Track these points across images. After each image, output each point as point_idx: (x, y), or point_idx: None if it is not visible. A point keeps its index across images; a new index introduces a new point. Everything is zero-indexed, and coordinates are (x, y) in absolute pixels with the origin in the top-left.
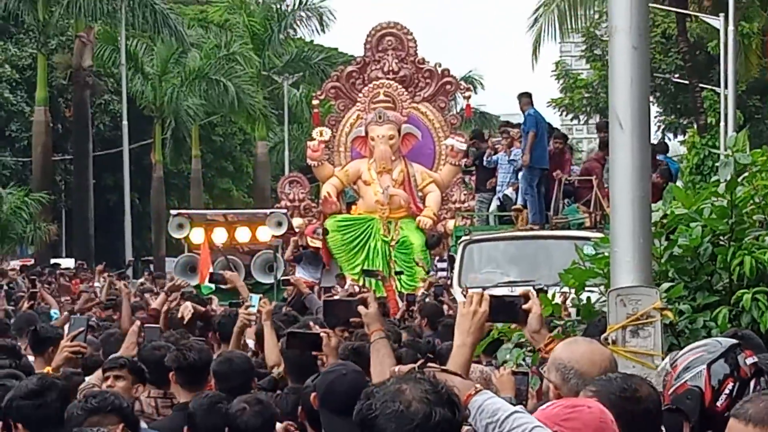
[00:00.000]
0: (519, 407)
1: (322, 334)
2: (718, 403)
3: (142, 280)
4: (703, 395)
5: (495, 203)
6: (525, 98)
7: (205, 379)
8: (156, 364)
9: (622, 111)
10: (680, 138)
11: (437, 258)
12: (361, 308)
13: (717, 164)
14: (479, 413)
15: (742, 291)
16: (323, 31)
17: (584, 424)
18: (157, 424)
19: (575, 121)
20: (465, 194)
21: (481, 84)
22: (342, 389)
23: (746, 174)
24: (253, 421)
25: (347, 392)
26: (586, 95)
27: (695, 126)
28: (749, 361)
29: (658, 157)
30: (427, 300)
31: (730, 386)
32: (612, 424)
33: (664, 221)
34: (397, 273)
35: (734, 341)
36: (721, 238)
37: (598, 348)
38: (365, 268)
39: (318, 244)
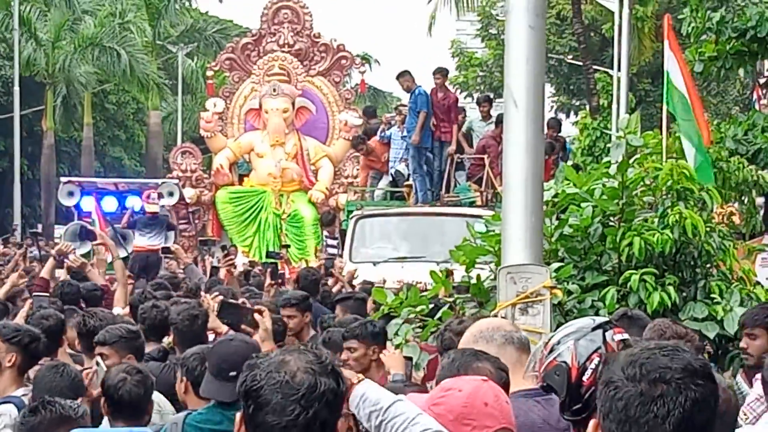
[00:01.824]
0: (401, 396)
1: (256, 313)
2: (584, 378)
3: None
4: (570, 370)
5: (387, 179)
6: (407, 76)
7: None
8: (46, 332)
9: (517, 90)
10: (572, 119)
11: (327, 235)
12: (258, 318)
13: (609, 146)
14: (362, 402)
15: (630, 272)
16: (220, 1)
17: (448, 409)
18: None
19: (469, 99)
20: (357, 169)
21: (377, 61)
22: (224, 351)
23: (637, 156)
24: (135, 391)
25: (229, 357)
26: (481, 74)
27: (587, 107)
28: (618, 337)
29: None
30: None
31: (596, 361)
32: (489, 406)
33: (556, 200)
34: (283, 246)
35: (605, 318)
36: (612, 218)
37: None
38: (269, 250)
39: (155, 208)
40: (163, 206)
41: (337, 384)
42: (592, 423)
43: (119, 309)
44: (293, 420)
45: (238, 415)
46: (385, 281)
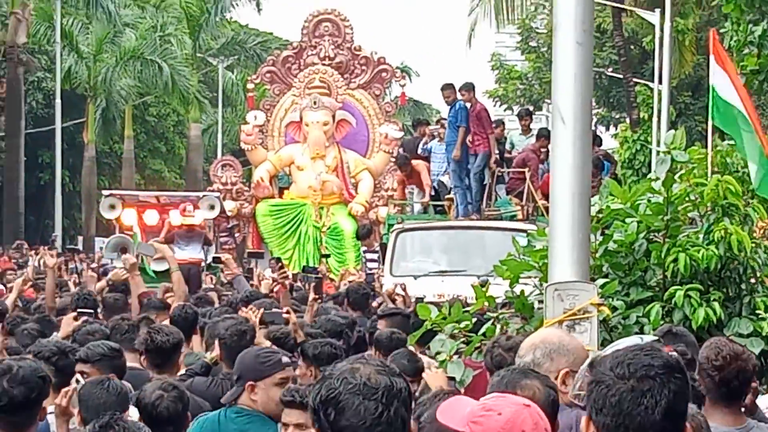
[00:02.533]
0: None
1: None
2: None
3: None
4: None
5: (422, 194)
6: (450, 89)
7: (174, 360)
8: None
9: (565, 106)
10: (612, 131)
11: (365, 249)
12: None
13: (648, 159)
14: None
15: (675, 287)
16: (259, 13)
17: (485, 430)
18: None
19: (509, 112)
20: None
21: (417, 73)
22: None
23: (682, 171)
24: (173, 407)
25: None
26: (521, 87)
27: (628, 120)
28: None
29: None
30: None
31: None
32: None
33: (600, 216)
34: (324, 256)
35: (655, 337)
36: (656, 234)
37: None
38: (305, 265)
39: (191, 221)
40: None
41: (407, 384)
42: (583, 419)
43: None
44: (377, 419)
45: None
46: (425, 296)
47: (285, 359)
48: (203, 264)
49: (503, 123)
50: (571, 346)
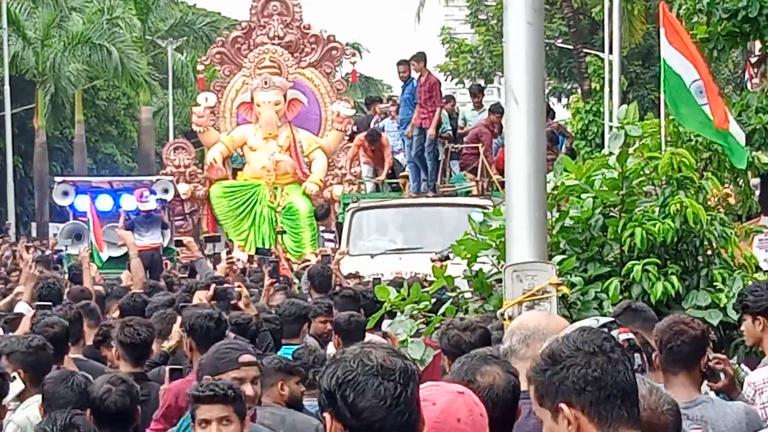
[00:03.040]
0: None
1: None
2: None
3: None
4: None
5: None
6: (406, 65)
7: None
8: (51, 341)
9: (518, 86)
10: (564, 102)
11: (323, 228)
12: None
13: (601, 129)
14: None
15: (632, 262)
16: None
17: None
18: None
19: (460, 86)
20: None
21: (367, 50)
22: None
23: (636, 146)
24: (120, 401)
25: None
26: (471, 60)
27: (579, 91)
28: (623, 336)
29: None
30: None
31: None
32: (462, 422)
33: (555, 192)
34: (279, 233)
35: (610, 318)
36: (612, 209)
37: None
38: (258, 247)
39: (148, 206)
40: (162, 201)
41: (416, 366)
42: (565, 409)
43: None
44: (396, 398)
45: (327, 415)
46: (382, 274)
47: (245, 357)
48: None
49: (454, 98)
50: (548, 330)
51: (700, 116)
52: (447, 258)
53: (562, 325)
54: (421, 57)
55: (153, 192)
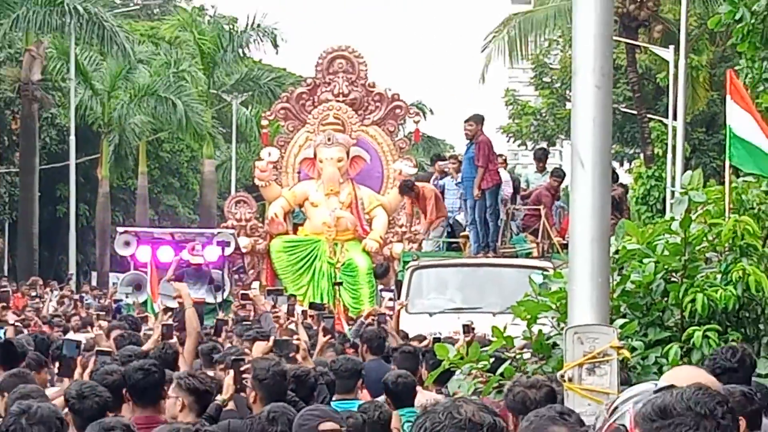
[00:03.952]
0: None
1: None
2: None
3: (85, 295)
4: None
5: (441, 229)
6: (471, 121)
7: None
8: (109, 389)
9: (584, 150)
10: (626, 167)
11: (382, 287)
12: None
13: (663, 195)
14: None
15: (693, 328)
16: (276, 52)
17: None
18: None
19: (522, 148)
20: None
21: (431, 110)
22: None
23: (700, 212)
24: None
25: None
26: (534, 122)
27: (642, 156)
28: None
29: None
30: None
31: None
32: None
33: (617, 256)
34: (336, 284)
35: (666, 383)
36: (674, 274)
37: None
38: (312, 301)
39: (199, 260)
40: (225, 257)
41: (506, 424)
42: None
43: (181, 363)
44: None
45: None
46: (441, 333)
47: (324, 426)
48: (216, 303)
49: (505, 158)
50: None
51: None
52: (471, 326)
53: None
54: (479, 119)
55: (209, 243)
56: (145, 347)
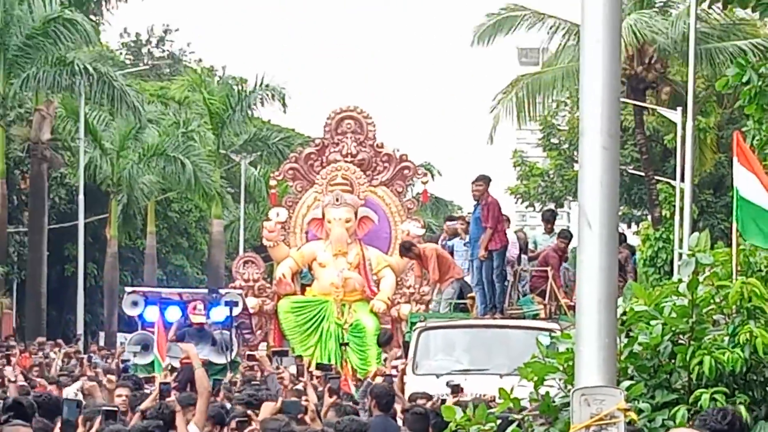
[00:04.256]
0: None
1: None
2: None
3: (93, 356)
4: None
5: (452, 290)
6: (481, 182)
7: None
8: None
9: (591, 211)
10: (634, 229)
11: (385, 357)
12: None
13: (670, 257)
14: None
15: (700, 390)
16: (285, 111)
17: None
18: None
19: (530, 209)
20: (414, 276)
21: (438, 172)
22: None
23: (707, 274)
24: None
25: None
26: (542, 183)
27: (650, 218)
28: None
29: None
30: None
31: None
32: None
33: (624, 318)
34: (342, 344)
35: None
36: (681, 336)
37: None
38: (318, 362)
39: (201, 319)
40: (233, 317)
41: None
42: None
43: (193, 426)
44: None
45: None
46: (448, 394)
47: None
48: (224, 363)
49: (508, 218)
50: None
51: None
52: (458, 386)
53: None
54: (483, 179)
55: (213, 305)
56: (142, 406)
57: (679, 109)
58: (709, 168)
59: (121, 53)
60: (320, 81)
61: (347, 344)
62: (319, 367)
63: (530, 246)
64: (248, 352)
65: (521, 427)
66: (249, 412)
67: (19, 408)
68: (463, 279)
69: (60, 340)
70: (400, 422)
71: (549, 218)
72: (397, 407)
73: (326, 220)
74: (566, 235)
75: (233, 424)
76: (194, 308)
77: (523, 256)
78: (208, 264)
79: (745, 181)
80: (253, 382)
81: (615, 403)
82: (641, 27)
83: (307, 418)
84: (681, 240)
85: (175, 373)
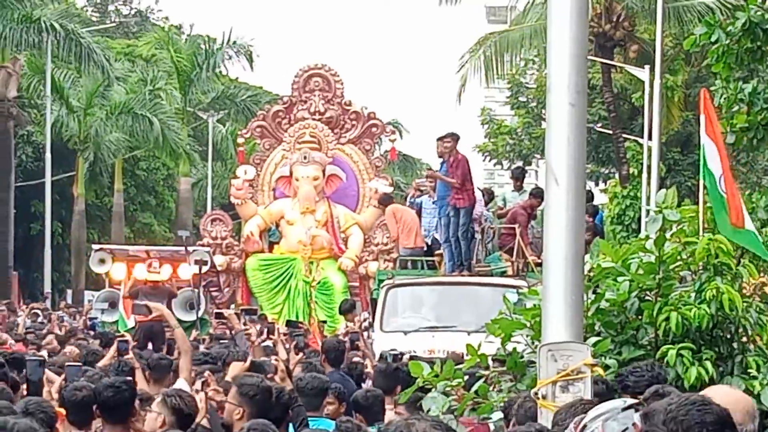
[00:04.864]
0: None
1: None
2: None
3: (60, 312)
4: None
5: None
6: (448, 138)
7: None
8: (78, 404)
9: (558, 167)
10: (601, 186)
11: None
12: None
13: (638, 215)
14: None
15: (667, 346)
16: (252, 69)
17: None
18: None
19: (498, 167)
20: (387, 237)
21: (407, 129)
22: None
23: (674, 230)
24: None
25: None
26: (510, 141)
27: (617, 176)
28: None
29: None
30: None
31: None
32: None
33: (591, 275)
34: (321, 322)
35: (634, 401)
36: (648, 293)
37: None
38: (289, 319)
39: (156, 277)
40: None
41: None
42: None
43: (183, 381)
44: None
45: None
46: (415, 351)
47: None
48: (192, 321)
49: (492, 192)
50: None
51: (722, 213)
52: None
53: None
54: (451, 136)
55: (184, 262)
56: (100, 363)
57: (647, 67)
58: (677, 126)
59: (87, 10)
60: (288, 39)
61: (325, 321)
62: (288, 324)
63: (499, 203)
64: (216, 311)
65: (488, 383)
66: (207, 372)
67: None
68: (432, 236)
69: (29, 300)
70: (369, 382)
71: (518, 176)
72: (368, 363)
73: (294, 177)
74: (539, 193)
75: (197, 384)
76: (150, 265)
77: (484, 210)
78: (176, 222)
79: (707, 142)
80: (221, 340)
81: (582, 359)
82: None
83: (277, 378)
84: (648, 197)
85: (133, 332)
